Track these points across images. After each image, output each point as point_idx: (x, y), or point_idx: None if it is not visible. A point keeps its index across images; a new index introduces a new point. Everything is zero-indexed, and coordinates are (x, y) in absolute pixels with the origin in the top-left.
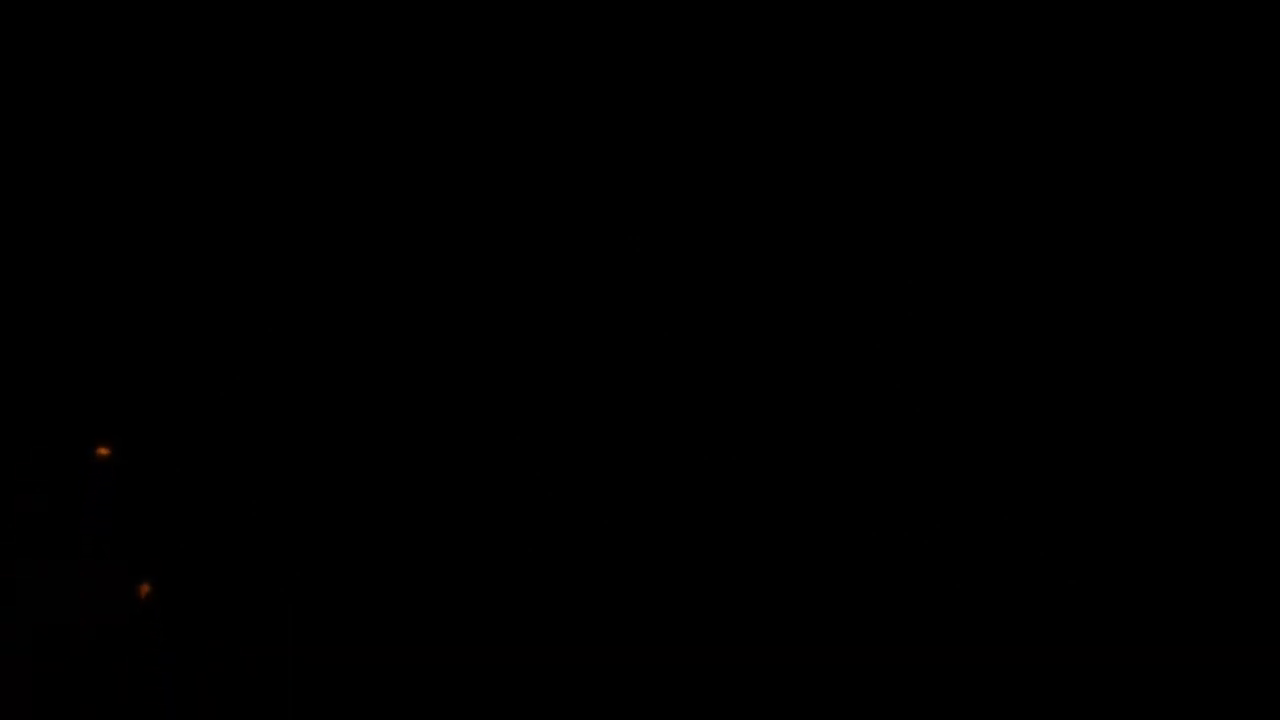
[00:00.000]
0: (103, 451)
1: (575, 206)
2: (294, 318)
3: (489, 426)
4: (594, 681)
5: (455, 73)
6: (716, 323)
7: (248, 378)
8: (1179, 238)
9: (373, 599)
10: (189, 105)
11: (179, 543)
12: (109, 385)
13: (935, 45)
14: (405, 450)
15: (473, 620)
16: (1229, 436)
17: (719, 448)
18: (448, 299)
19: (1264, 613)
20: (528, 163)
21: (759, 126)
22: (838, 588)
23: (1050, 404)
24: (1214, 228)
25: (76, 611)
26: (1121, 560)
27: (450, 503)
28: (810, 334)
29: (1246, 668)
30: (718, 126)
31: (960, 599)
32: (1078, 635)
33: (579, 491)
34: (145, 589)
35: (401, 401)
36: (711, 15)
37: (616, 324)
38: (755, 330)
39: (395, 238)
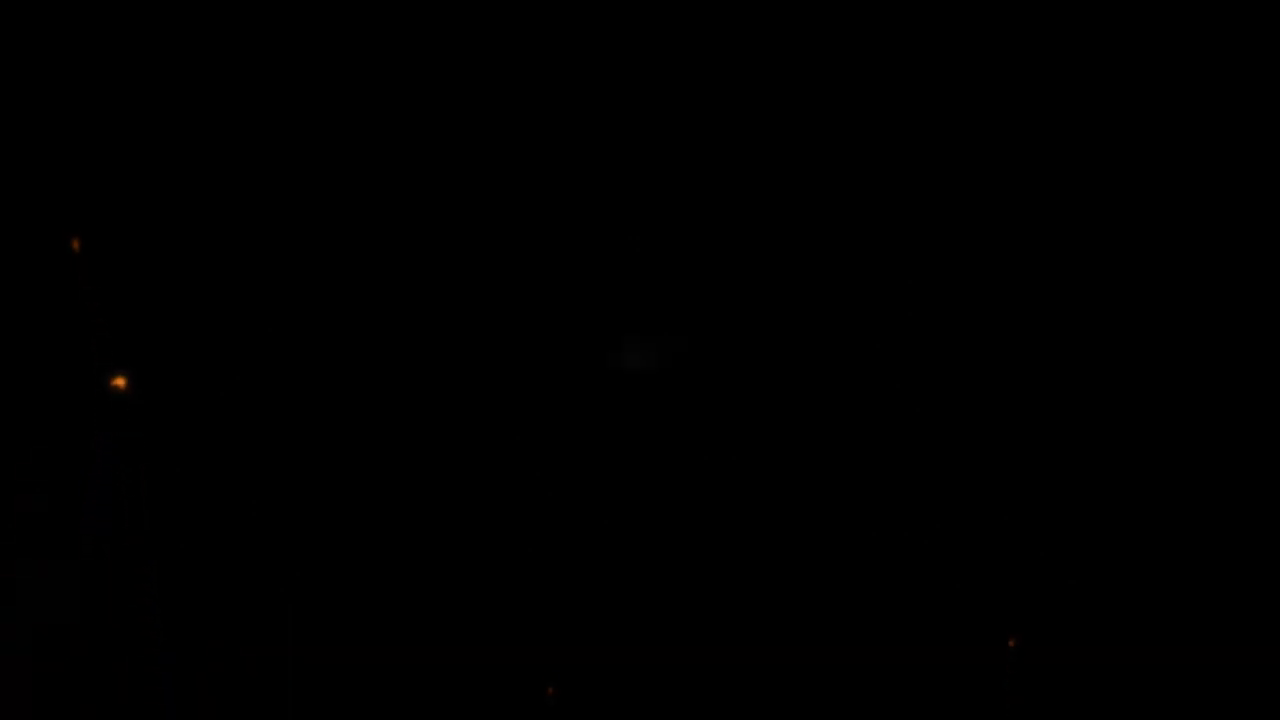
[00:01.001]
0: (119, 383)
1: (574, 206)
2: (294, 318)
3: (488, 426)
4: (593, 682)
5: (456, 72)
6: (715, 321)
7: (248, 378)
8: (1179, 237)
9: (373, 599)
10: (186, 104)
11: (179, 543)
12: (109, 385)
13: (936, 45)
14: (405, 451)
15: (472, 620)
16: (1229, 437)
17: (718, 447)
18: (447, 300)
19: (1264, 613)
20: (527, 162)
21: (757, 126)
22: (837, 588)
23: (1049, 404)
24: (1214, 227)
25: (76, 611)
26: (1122, 560)
27: (450, 503)
28: (809, 333)
29: (1246, 668)
30: (716, 126)
31: (960, 599)
32: (1078, 635)
33: (578, 491)
34: (120, 381)
35: (401, 402)
36: (711, 15)
37: (615, 323)
38: (754, 329)
39: (395, 238)
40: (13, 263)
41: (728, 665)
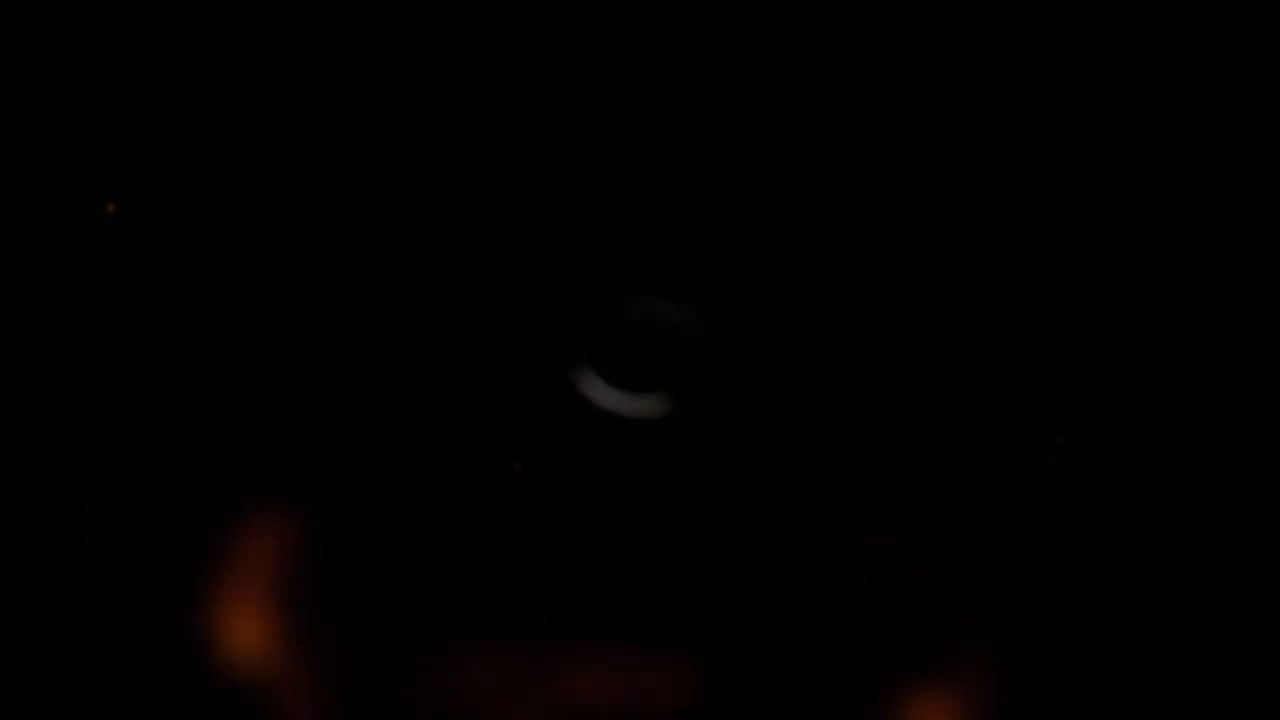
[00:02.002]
0: (110, 208)
1: (572, 204)
2: (294, 315)
3: (488, 426)
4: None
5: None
6: (714, 317)
7: (247, 375)
8: (1178, 237)
9: (375, 599)
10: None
11: (179, 541)
12: (109, 382)
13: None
14: (405, 450)
15: (471, 620)
16: (1229, 437)
17: (716, 448)
18: (449, 298)
19: (1264, 613)
20: (526, 159)
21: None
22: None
23: (1048, 405)
24: (1214, 227)
25: (76, 611)
26: (1122, 560)
27: (453, 503)
28: (807, 330)
29: (1246, 668)
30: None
31: (960, 600)
32: (1080, 635)
33: (579, 490)
34: (110, 207)
35: (402, 402)
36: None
37: (614, 320)
38: (753, 326)
39: (395, 240)
40: (13, 263)
41: (729, 666)
